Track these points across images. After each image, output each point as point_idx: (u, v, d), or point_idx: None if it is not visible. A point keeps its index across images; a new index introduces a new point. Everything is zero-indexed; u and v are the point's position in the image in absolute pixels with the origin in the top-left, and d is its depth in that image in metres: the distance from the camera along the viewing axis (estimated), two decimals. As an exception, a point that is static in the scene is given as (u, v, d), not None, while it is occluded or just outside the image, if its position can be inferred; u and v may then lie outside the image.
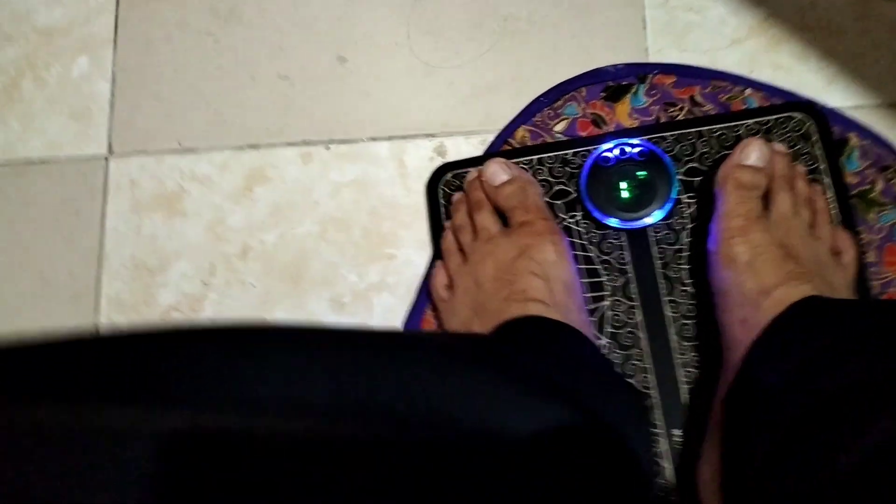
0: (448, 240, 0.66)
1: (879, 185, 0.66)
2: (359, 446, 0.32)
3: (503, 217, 0.64)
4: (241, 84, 0.72)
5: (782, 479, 0.46)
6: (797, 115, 0.66)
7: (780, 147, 0.62)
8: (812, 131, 0.66)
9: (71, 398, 0.29)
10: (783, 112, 0.67)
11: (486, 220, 0.63)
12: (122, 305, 0.69)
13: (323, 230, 0.69)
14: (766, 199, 0.60)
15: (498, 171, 0.64)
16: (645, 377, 0.62)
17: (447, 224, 0.67)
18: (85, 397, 0.30)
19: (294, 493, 0.29)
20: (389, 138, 0.71)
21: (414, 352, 0.41)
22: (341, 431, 0.32)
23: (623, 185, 0.64)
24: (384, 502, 0.31)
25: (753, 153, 0.59)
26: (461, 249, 0.65)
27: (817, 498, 0.43)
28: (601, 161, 0.65)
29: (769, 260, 0.55)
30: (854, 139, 0.67)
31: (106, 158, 0.72)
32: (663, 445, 0.61)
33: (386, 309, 0.67)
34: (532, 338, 0.55)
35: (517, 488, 0.39)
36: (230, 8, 0.73)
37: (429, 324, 0.66)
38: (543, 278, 0.58)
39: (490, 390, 0.42)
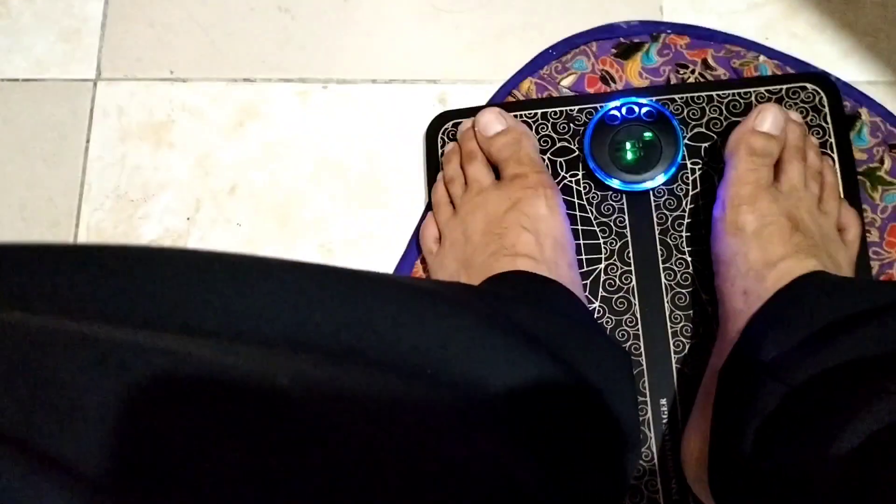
0: (439, 191, 0.64)
1: (887, 164, 0.64)
2: (313, 390, 0.30)
3: (497, 170, 0.62)
4: (238, 14, 0.69)
5: (775, 458, 0.45)
6: (809, 86, 0.65)
7: (795, 116, 0.61)
8: (823, 104, 0.64)
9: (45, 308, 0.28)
10: (796, 82, 0.65)
11: (478, 171, 0.61)
12: (102, 236, 0.66)
13: (316, 173, 0.67)
14: (777, 168, 0.58)
15: (492, 121, 0.61)
16: (635, 344, 0.61)
17: (439, 175, 0.65)
18: (61, 308, 0.28)
19: (239, 431, 0.27)
20: (390, 82, 0.68)
21: (390, 291, 0.38)
22: (290, 372, 0.30)
23: (628, 145, 0.62)
24: (339, 451, 0.29)
25: (769, 119, 0.57)
26: (452, 202, 0.63)
27: (812, 480, 0.42)
28: (607, 119, 0.63)
29: (776, 231, 0.54)
30: (865, 115, 0.65)
31: (94, 82, 0.69)
32: (649, 414, 0.60)
33: (376, 259, 0.65)
34: (519, 292, 0.54)
35: (491, 441, 0.38)
36: (232, -66, 0.70)
37: (418, 276, 0.64)
38: (533, 233, 0.57)
39: (471, 338, 0.40)
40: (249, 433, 0.27)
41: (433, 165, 0.66)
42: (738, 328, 0.53)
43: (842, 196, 0.62)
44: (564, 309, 0.54)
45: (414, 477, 0.31)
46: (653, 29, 0.67)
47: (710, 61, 0.66)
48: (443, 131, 0.66)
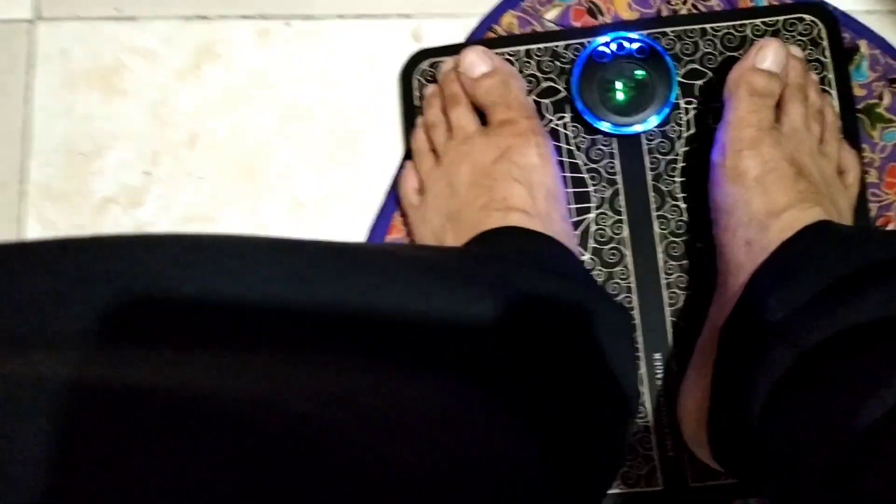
0: (419, 139, 0.59)
1: (887, 100, 0.61)
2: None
3: (482, 114, 0.57)
4: (189, -56, 0.63)
5: (785, 424, 0.43)
6: (807, 17, 0.61)
7: (796, 51, 0.57)
8: (822, 36, 0.61)
9: None
10: (793, 13, 0.61)
11: (463, 117, 0.57)
12: (53, 194, 0.61)
13: (281, 121, 0.62)
14: (777, 108, 0.55)
15: (477, 62, 0.57)
16: (628, 297, 0.58)
17: (419, 121, 0.60)
18: None
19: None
20: (359, 17, 0.63)
21: (393, 266, 0.35)
22: (307, 392, 0.26)
23: (618, 85, 0.58)
24: (352, 473, 0.26)
25: (770, 56, 0.53)
26: (434, 150, 0.58)
27: (827, 449, 0.39)
28: (596, 57, 0.59)
29: (780, 177, 0.50)
30: (864, 47, 0.62)
31: (32, 23, 0.63)
32: (643, 369, 0.58)
33: (351, 213, 0.61)
34: (513, 249, 0.50)
35: (498, 416, 0.36)
36: None
37: (397, 231, 0.60)
38: (525, 184, 0.53)
39: (479, 311, 0.37)
40: (256, 479, 0.22)
41: (409, 109, 0.61)
42: (741, 282, 0.50)
43: (841, 136, 0.59)
44: (561, 267, 0.51)
45: (434, 473, 0.28)
46: (642, -44, 0.62)
47: (704, -9, 0.62)
48: (418, 72, 0.61)
